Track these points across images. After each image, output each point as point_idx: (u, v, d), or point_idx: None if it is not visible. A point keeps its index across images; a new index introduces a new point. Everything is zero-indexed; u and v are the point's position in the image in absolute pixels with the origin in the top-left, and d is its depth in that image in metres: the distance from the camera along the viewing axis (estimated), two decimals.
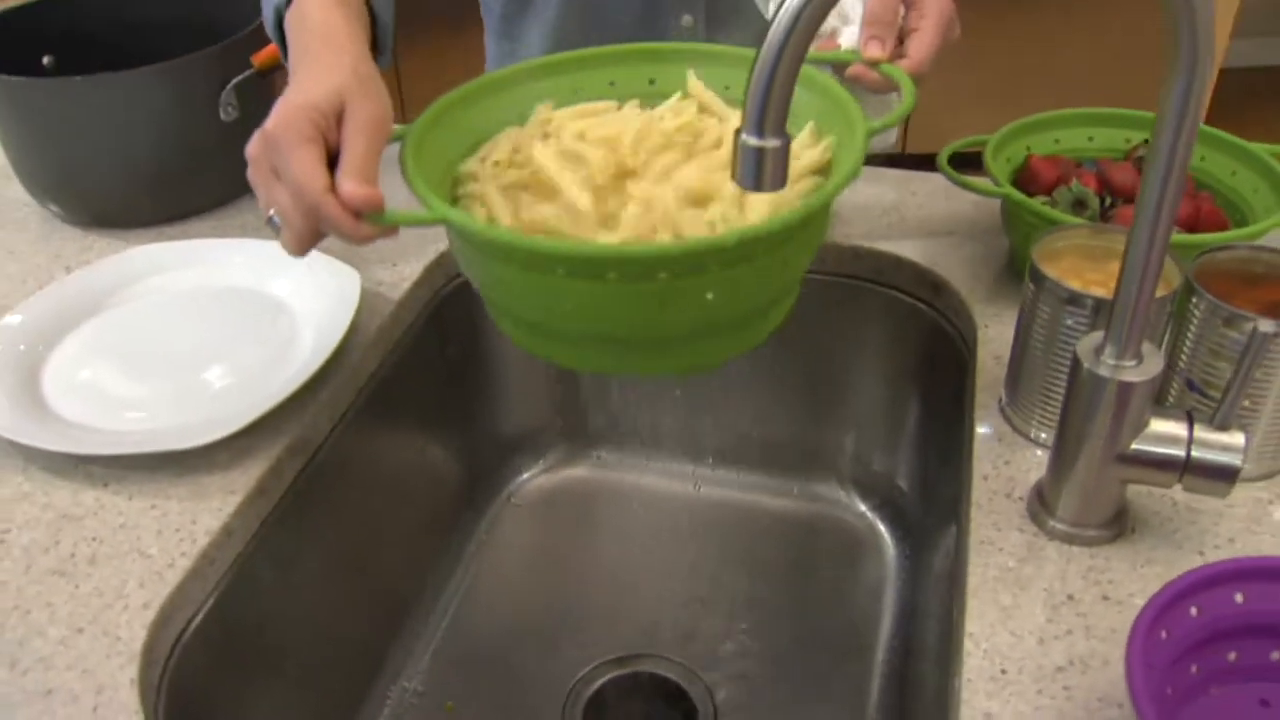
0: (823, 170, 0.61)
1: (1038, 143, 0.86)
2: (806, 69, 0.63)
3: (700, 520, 0.97)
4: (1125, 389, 0.55)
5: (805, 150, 0.61)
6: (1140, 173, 0.81)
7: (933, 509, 0.86)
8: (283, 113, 0.57)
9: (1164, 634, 0.49)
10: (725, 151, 0.62)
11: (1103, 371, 0.55)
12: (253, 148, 0.57)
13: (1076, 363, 0.56)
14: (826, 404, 0.94)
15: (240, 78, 0.87)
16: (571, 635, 0.88)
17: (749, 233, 0.51)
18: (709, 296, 0.53)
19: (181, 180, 0.90)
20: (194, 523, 0.63)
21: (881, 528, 0.94)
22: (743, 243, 0.51)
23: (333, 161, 0.56)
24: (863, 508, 0.95)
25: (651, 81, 0.70)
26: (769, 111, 0.44)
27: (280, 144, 0.56)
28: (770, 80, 0.44)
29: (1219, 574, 0.50)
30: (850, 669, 0.84)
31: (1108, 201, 0.80)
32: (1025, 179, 0.83)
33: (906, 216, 0.89)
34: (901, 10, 0.70)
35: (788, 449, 0.97)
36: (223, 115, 0.87)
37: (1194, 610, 0.50)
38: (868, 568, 0.91)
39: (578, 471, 1.00)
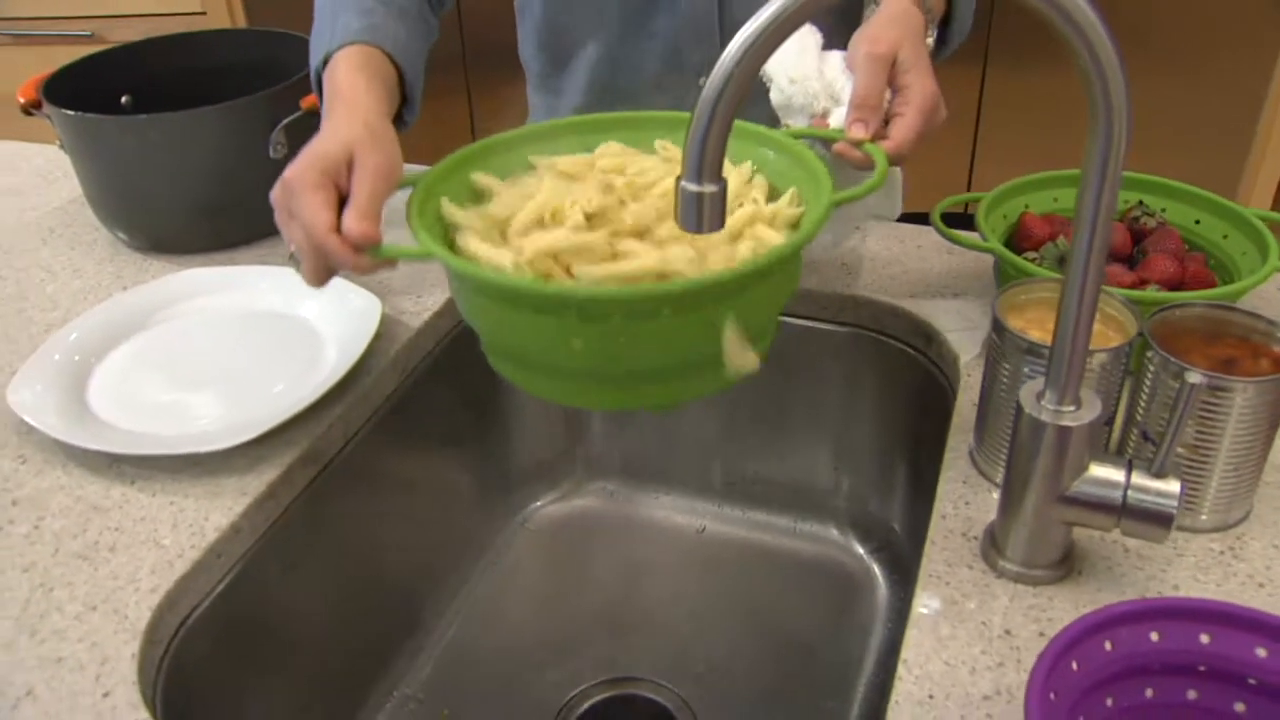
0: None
1: (1036, 200, 0.89)
2: (792, 143, 0.70)
3: (702, 555, 1.00)
4: (1063, 433, 0.58)
5: (785, 209, 0.66)
6: (1131, 233, 0.84)
7: (922, 552, 0.89)
8: (299, 162, 0.67)
9: (1074, 664, 0.51)
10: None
11: (1043, 416, 0.58)
12: (275, 193, 0.67)
13: (1020, 407, 0.59)
14: (827, 447, 0.97)
15: (290, 119, 0.95)
16: (569, 656, 0.92)
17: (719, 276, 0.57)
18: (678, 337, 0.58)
19: (232, 212, 0.98)
20: (206, 519, 0.69)
21: (876, 570, 0.96)
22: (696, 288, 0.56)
23: (345, 204, 0.65)
24: (860, 550, 0.98)
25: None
26: (705, 160, 0.49)
27: (294, 190, 0.65)
28: (706, 133, 0.48)
29: (1134, 611, 0.52)
30: (830, 705, 0.86)
31: None
32: (1020, 235, 0.86)
33: (908, 269, 0.93)
34: (888, 95, 0.74)
35: (790, 490, 1.00)
36: (272, 153, 0.95)
37: (1108, 644, 0.52)
38: (860, 608, 0.94)
39: (589, 502, 1.05)
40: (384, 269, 0.66)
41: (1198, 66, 2.35)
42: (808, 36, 0.79)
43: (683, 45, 0.96)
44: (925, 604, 0.61)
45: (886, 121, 0.74)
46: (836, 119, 0.77)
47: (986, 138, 2.48)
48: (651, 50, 0.98)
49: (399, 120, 0.80)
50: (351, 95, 0.72)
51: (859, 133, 0.72)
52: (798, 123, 0.78)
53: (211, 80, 1.06)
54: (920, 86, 0.73)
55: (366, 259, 0.64)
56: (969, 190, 2.52)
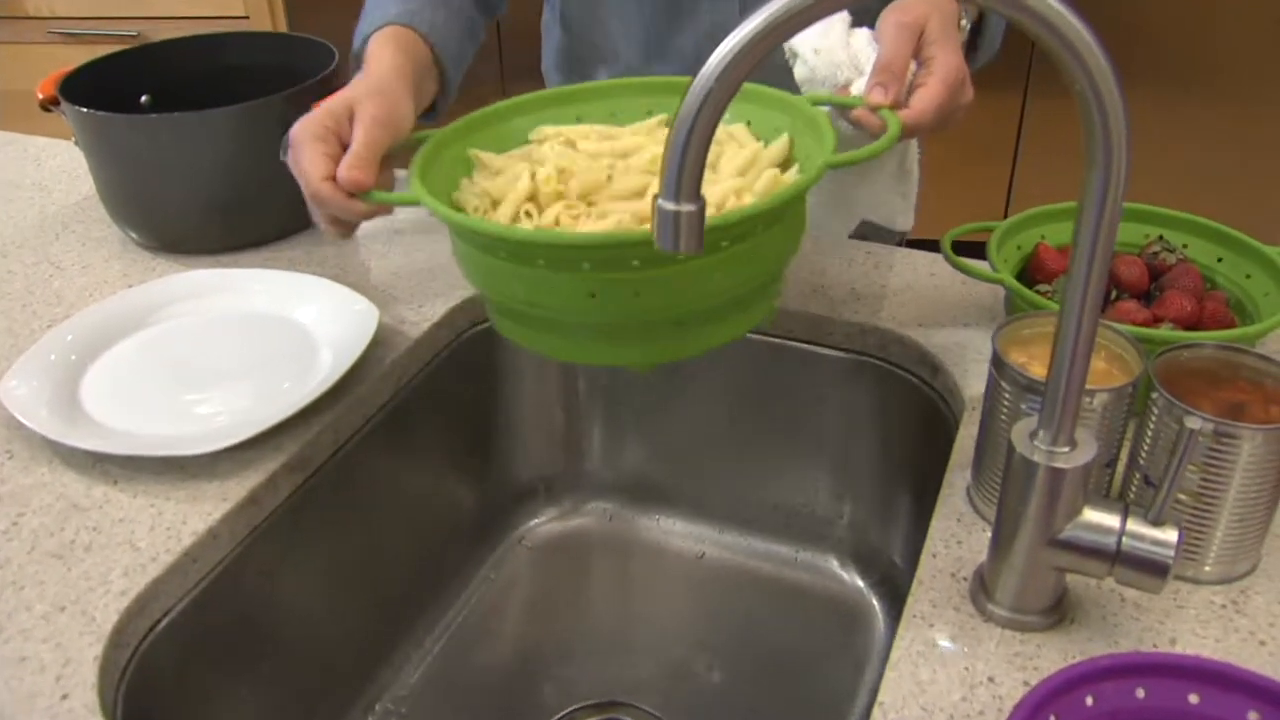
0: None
1: (1053, 232, 0.86)
2: (795, 99, 0.73)
3: (699, 580, 0.98)
4: (1056, 475, 0.56)
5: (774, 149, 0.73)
6: (1149, 269, 0.81)
7: None
8: (300, 121, 0.72)
9: (1052, 718, 0.49)
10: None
11: (1035, 457, 0.56)
12: (286, 150, 0.74)
13: (1011, 446, 0.57)
14: (830, 476, 0.95)
15: None
16: (557, 676, 0.90)
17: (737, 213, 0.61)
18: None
19: (242, 215, 0.97)
20: (184, 523, 0.68)
21: (875, 602, 0.94)
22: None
23: None
24: (860, 583, 0.95)
25: (649, 112, 0.79)
26: (683, 179, 0.47)
27: (295, 142, 0.72)
28: (684, 150, 0.47)
29: (1120, 665, 0.50)
30: None
31: (1112, 294, 0.80)
32: (1034, 267, 0.84)
33: (919, 296, 0.91)
34: (913, 66, 0.73)
35: (791, 518, 0.98)
36: (283, 157, 0.95)
37: (1089, 699, 0.50)
38: (856, 641, 0.91)
39: (587, 521, 1.03)
40: (380, 214, 0.71)
41: (1225, 99, 2.31)
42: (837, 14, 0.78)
43: (703, 59, 0.95)
44: (907, 645, 0.59)
45: (909, 92, 0.72)
46: (858, 90, 0.75)
47: (1025, 169, 2.44)
48: (670, 69, 0.97)
49: (433, 107, 0.84)
50: (373, 62, 0.77)
51: (878, 97, 0.71)
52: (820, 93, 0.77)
53: (232, 82, 1.06)
54: (945, 59, 0.72)
55: (360, 204, 0.69)
56: (1005, 216, 2.48)
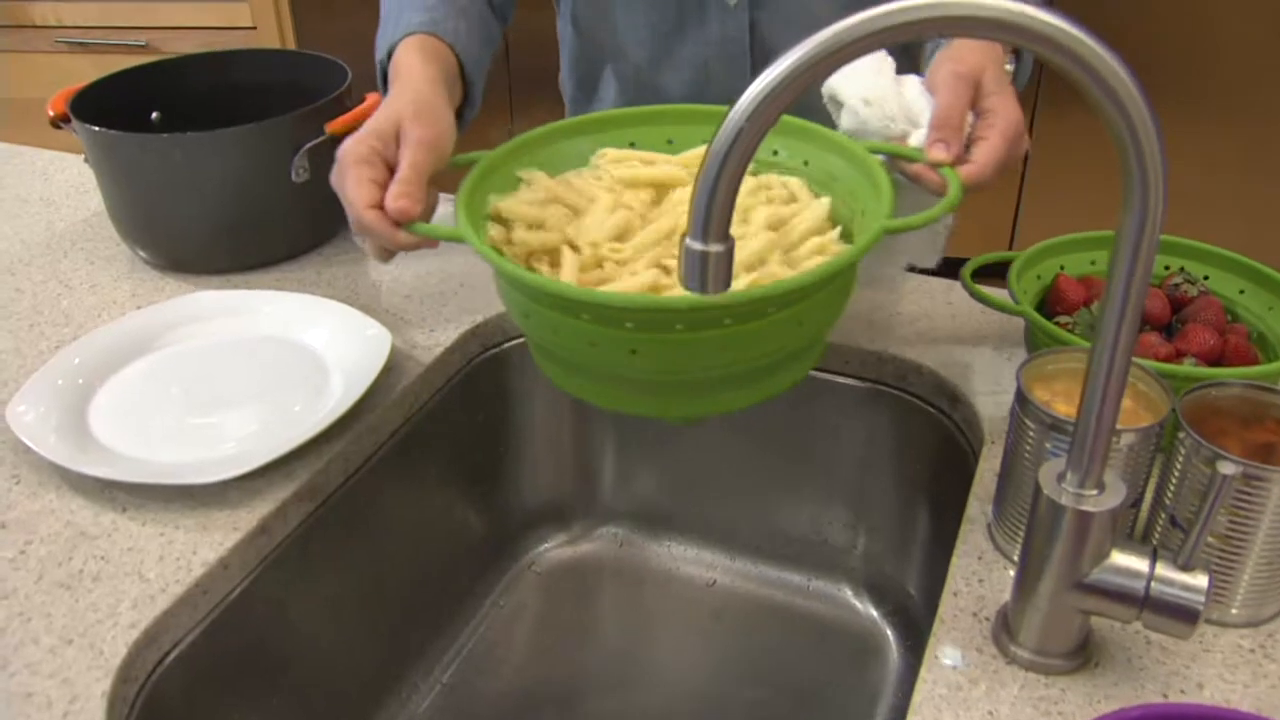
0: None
1: (1072, 262, 0.85)
2: (854, 145, 0.71)
3: (710, 609, 0.97)
4: (1084, 518, 0.55)
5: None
6: (1170, 301, 0.80)
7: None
8: (350, 139, 0.71)
9: None
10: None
11: (1063, 500, 0.55)
12: (333, 174, 0.71)
13: (1038, 488, 0.56)
14: (845, 505, 0.94)
15: (312, 143, 0.94)
16: (569, 705, 0.89)
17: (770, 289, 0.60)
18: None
19: (252, 235, 0.97)
20: (194, 553, 0.67)
21: (890, 633, 0.92)
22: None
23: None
24: (875, 613, 0.94)
25: (705, 142, 0.77)
26: (712, 220, 0.47)
27: (340, 166, 0.70)
28: (713, 192, 0.46)
29: (1145, 715, 0.49)
30: None
31: None
32: (1054, 298, 0.83)
33: (937, 325, 0.90)
34: (971, 118, 0.71)
35: (805, 546, 0.97)
36: (294, 176, 0.94)
37: None
38: (870, 672, 0.90)
39: (597, 547, 1.02)
40: (424, 246, 0.70)
41: (1251, 128, 2.30)
42: (883, 59, 0.75)
43: (712, 70, 0.95)
44: (929, 688, 0.58)
45: (967, 146, 0.71)
46: (915, 143, 0.73)
47: (1033, 186, 2.43)
48: (680, 77, 0.97)
49: (458, 117, 0.82)
50: (407, 73, 0.76)
51: (940, 154, 0.69)
52: None
53: (244, 99, 1.05)
54: (1006, 112, 0.70)
55: (404, 236, 0.68)
56: (1012, 240, 2.47)
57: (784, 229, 0.70)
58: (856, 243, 0.63)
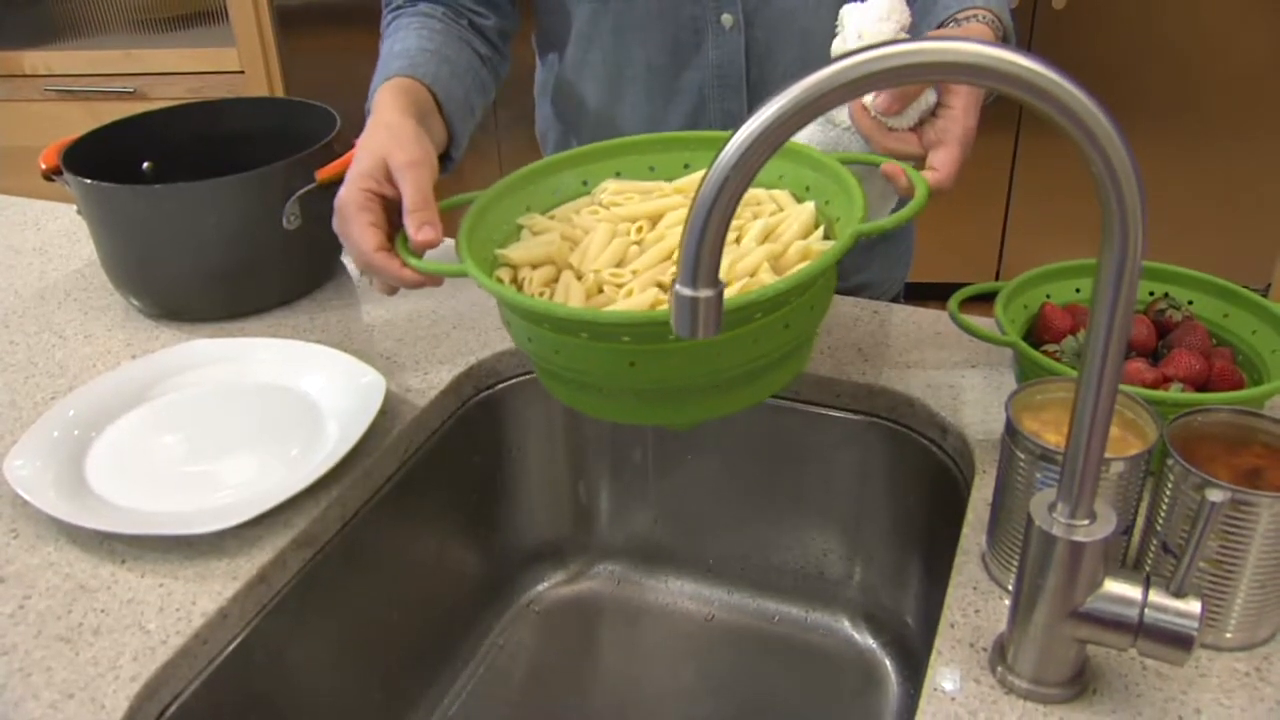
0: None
1: (1058, 290, 0.86)
2: (825, 158, 0.76)
3: (709, 643, 0.97)
4: (1076, 549, 0.55)
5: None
6: (1155, 326, 0.81)
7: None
8: (344, 186, 0.74)
9: None
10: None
11: (1054, 530, 0.55)
12: (335, 222, 0.75)
13: (1030, 519, 0.57)
14: (840, 537, 0.94)
15: (304, 190, 0.95)
16: None
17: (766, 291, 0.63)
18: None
19: (245, 282, 0.97)
20: (193, 604, 0.67)
21: (888, 664, 0.93)
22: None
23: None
24: (873, 643, 0.95)
25: (686, 166, 0.82)
26: (701, 266, 0.47)
27: (341, 215, 0.74)
28: (701, 239, 0.47)
29: None
30: None
31: None
32: (1041, 327, 0.84)
33: (927, 356, 0.91)
34: (932, 96, 0.75)
35: (801, 579, 0.97)
36: (285, 224, 0.95)
37: None
38: (870, 702, 0.90)
39: (595, 585, 1.02)
40: (430, 284, 0.73)
41: (1234, 150, 2.33)
42: (897, 7, 0.78)
43: (709, 98, 0.96)
44: (928, 719, 0.58)
45: (930, 149, 0.75)
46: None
47: (1018, 209, 2.45)
48: (678, 106, 0.98)
49: (446, 158, 0.86)
50: (378, 109, 0.80)
51: (892, 169, 0.74)
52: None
53: (234, 147, 1.07)
54: (964, 119, 0.74)
55: (412, 275, 0.72)
56: (999, 266, 2.49)
57: (774, 234, 0.75)
58: (833, 247, 0.67)
